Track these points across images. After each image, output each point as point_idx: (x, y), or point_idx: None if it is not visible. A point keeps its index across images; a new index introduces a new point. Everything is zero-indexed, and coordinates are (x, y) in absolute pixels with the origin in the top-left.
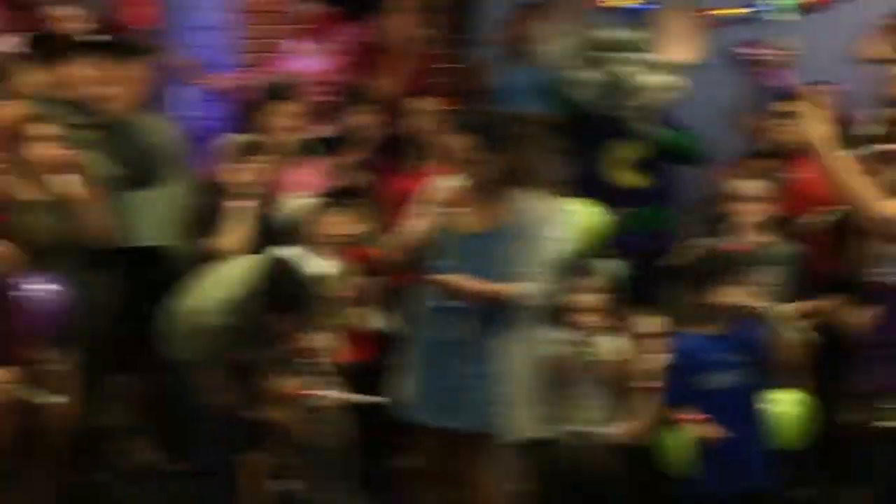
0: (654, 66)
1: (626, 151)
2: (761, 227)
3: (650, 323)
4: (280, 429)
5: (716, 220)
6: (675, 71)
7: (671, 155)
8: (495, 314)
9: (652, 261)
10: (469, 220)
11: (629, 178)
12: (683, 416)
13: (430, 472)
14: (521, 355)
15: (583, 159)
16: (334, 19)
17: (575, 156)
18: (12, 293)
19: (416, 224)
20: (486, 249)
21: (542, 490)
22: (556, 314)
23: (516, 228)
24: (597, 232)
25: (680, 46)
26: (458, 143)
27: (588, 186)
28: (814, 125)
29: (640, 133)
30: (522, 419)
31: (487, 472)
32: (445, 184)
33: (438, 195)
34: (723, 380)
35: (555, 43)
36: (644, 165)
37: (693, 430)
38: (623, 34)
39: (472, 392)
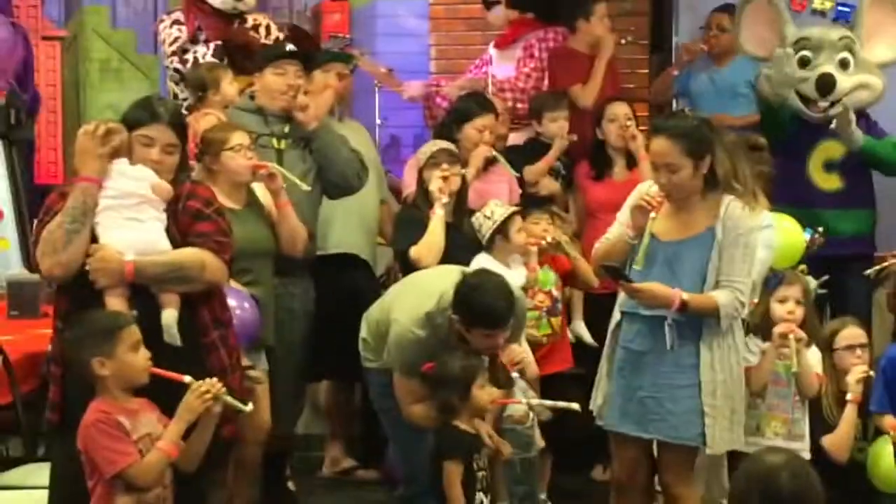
0: (860, 67)
1: (828, 153)
2: None
3: (850, 334)
4: (476, 438)
5: None
6: (879, 71)
7: (872, 159)
8: (696, 323)
9: (849, 266)
10: (668, 226)
11: (830, 181)
12: (886, 422)
13: (627, 483)
14: (723, 366)
15: (784, 160)
16: (527, 25)
17: (776, 157)
18: (227, 300)
19: (614, 232)
20: (686, 257)
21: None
22: (757, 325)
23: (716, 236)
24: (793, 249)
25: (886, 45)
26: (653, 151)
27: (788, 187)
28: None
29: (843, 135)
30: (725, 431)
31: (688, 484)
32: (644, 190)
33: (637, 202)
34: None
35: (757, 46)
36: (845, 168)
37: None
38: (831, 33)
39: (674, 402)
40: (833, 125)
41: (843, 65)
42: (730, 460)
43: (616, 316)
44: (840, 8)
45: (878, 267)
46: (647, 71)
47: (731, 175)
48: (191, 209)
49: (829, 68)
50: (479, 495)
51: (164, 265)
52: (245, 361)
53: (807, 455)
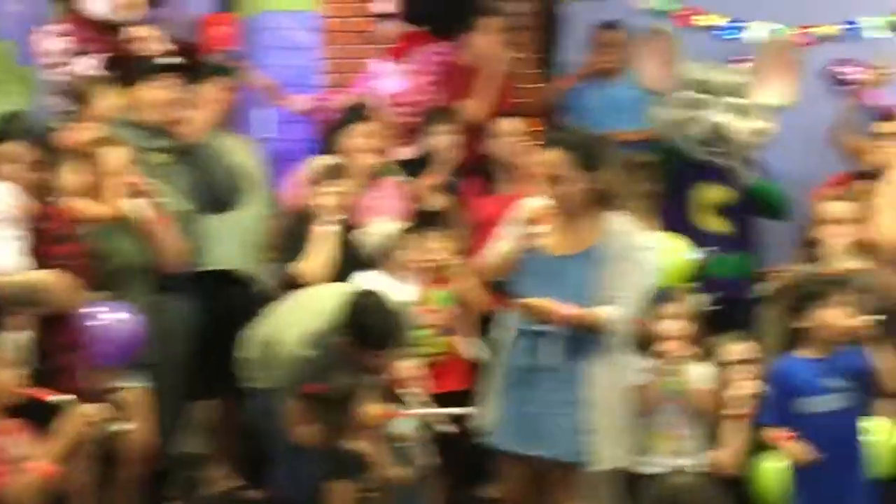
0: (747, 111)
1: (713, 195)
2: (852, 250)
3: (738, 349)
4: (364, 458)
5: (811, 243)
6: (768, 114)
7: (757, 204)
8: (582, 339)
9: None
10: (556, 241)
11: (713, 223)
12: (779, 435)
13: (514, 501)
14: (610, 382)
15: (669, 198)
16: (418, 39)
17: (663, 194)
18: (84, 322)
19: (502, 246)
20: (573, 272)
21: None
22: (643, 342)
23: (605, 251)
24: (680, 269)
25: (775, 87)
26: (546, 161)
27: (672, 226)
28: None
29: (729, 178)
30: (610, 448)
31: (573, 502)
32: (531, 205)
33: (524, 216)
34: (824, 404)
35: (653, 81)
36: (730, 211)
37: (788, 453)
38: (719, 75)
39: (558, 419)
40: (720, 167)
41: (738, 110)
42: (621, 478)
43: (504, 332)
44: (726, 25)
45: (769, 283)
46: (537, 85)
47: (622, 191)
48: (51, 231)
49: (724, 114)
50: None
51: (15, 286)
52: (116, 382)
53: (706, 470)
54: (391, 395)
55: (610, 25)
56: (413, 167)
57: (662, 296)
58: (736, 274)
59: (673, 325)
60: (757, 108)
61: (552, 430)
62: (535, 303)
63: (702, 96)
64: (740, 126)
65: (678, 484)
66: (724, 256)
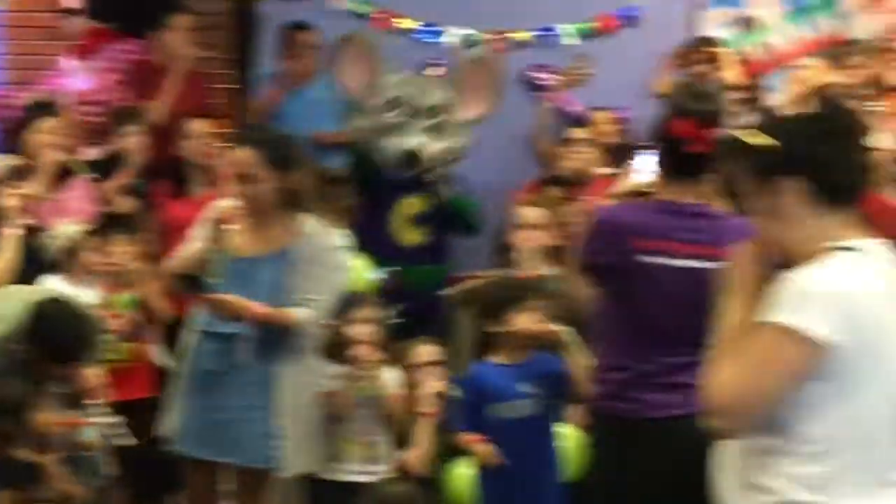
0: (445, 130)
1: (411, 207)
2: (544, 255)
3: (425, 352)
4: (38, 468)
5: (504, 248)
6: (467, 131)
7: (451, 218)
8: (273, 341)
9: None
10: (247, 242)
11: (411, 235)
12: (469, 439)
13: None
14: (300, 386)
15: (368, 209)
16: (106, 36)
17: (360, 204)
18: None
19: (190, 248)
20: (264, 273)
21: None
22: (334, 347)
23: (297, 252)
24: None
25: (475, 101)
26: (236, 160)
27: (370, 236)
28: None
29: (426, 190)
30: (300, 454)
31: None
32: (222, 206)
33: (214, 217)
34: (516, 409)
35: (344, 72)
36: (426, 222)
37: (477, 456)
38: (418, 93)
39: (244, 424)
40: (417, 181)
41: (434, 129)
42: (311, 483)
43: (191, 336)
44: (422, 29)
45: (459, 287)
46: (229, 86)
47: (312, 194)
48: None
49: (420, 136)
50: None
51: None
52: None
53: (397, 473)
54: (74, 402)
55: (300, 27)
56: (101, 168)
57: (352, 300)
58: (431, 284)
59: (363, 329)
60: (455, 127)
61: (241, 435)
62: (225, 299)
63: (396, 121)
64: (435, 148)
65: (389, 493)
66: (419, 267)
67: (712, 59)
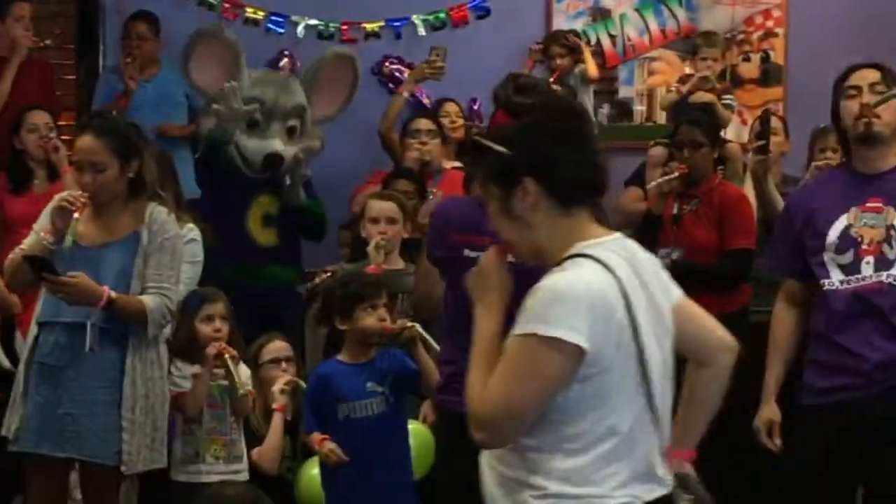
0: (300, 132)
1: (265, 207)
2: (394, 249)
3: (275, 347)
4: None
5: (354, 243)
6: (321, 131)
7: (300, 218)
8: (117, 331)
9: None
10: (92, 230)
11: (264, 234)
12: (315, 439)
13: None
14: (144, 379)
15: (220, 209)
16: None
17: (213, 205)
18: None
19: (30, 240)
20: (110, 261)
21: None
22: (184, 345)
23: (143, 240)
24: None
25: (330, 98)
26: (79, 148)
27: (224, 236)
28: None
29: (279, 190)
30: (143, 449)
31: None
32: (65, 195)
33: (58, 203)
34: (363, 408)
35: (208, 83)
36: (277, 224)
37: (324, 456)
38: (286, 99)
39: (88, 418)
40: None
41: (291, 132)
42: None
43: (32, 329)
44: (273, 19)
45: (309, 284)
46: (74, 77)
47: (158, 183)
48: None
49: (280, 138)
50: None
51: None
52: None
53: (246, 475)
54: None
55: (141, 16)
56: None
57: (204, 296)
58: (285, 282)
59: (212, 326)
60: (312, 127)
61: (86, 430)
62: (75, 280)
63: (259, 117)
64: (294, 150)
65: (219, 494)
66: (272, 268)
67: (572, 51)
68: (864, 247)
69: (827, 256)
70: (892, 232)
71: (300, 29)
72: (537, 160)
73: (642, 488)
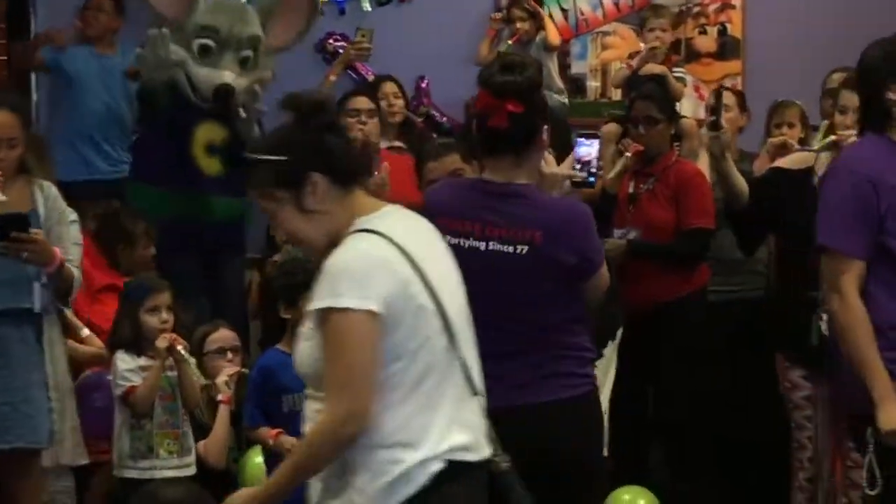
0: (256, 60)
1: (209, 135)
2: None
3: (220, 337)
4: None
5: None
6: (272, 58)
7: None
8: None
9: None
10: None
11: (212, 165)
12: (265, 434)
13: None
14: (55, 358)
15: (167, 141)
16: None
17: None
18: None
19: None
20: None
21: None
22: (128, 339)
23: (40, 216)
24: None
25: (284, 28)
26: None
27: (173, 169)
28: None
29: (228, 120)
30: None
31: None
32: None
33: None
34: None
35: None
36: (226, 153)
37: (280, 449)
38: (239, 29)
39: (26, 405)
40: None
41: (244, 62)
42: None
43: None
44: None
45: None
46: (5, 58)
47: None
48: None
49: (229, 69)
50: None
51: None
52: None
53: (194, 469)
54: None
55: None
56: None
57: (148, 287)
58: (229, 216)
59: (158, 317)
60: (265, 57)
61: (25, 417)
62: (40, 239)
63: (210, 43)
64: (245, 80)
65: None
66: (220, 198)
67: (533, 16)
68: None
69: None
70: None
71: None
72: (316, 155)
73: (458, 436)
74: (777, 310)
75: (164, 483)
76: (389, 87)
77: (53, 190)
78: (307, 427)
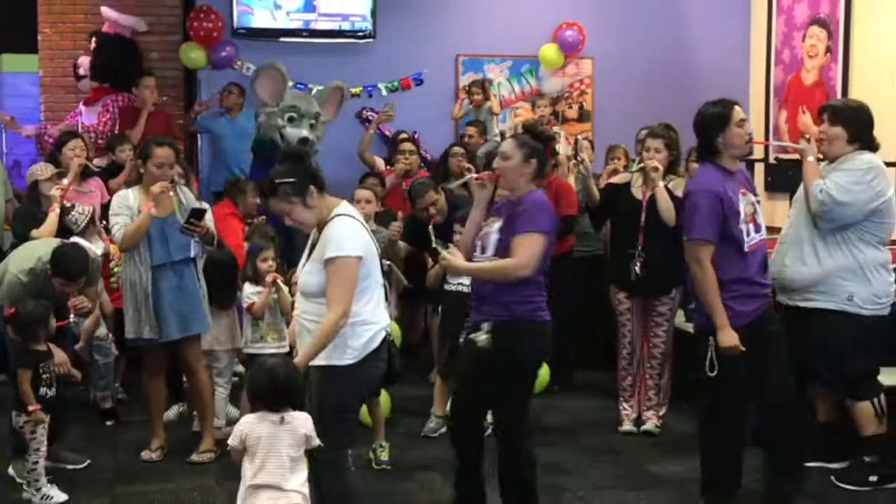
0: (316, 127)
1: None
2: (370, 218)
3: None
4: (46, 355)
5: None
6: (323, 127)
7: None
8: (190, 259)
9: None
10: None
11: None
12: None
13: None
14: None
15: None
16: (105, 90)
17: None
18: None
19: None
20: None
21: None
22: (249, 276)
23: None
24: None
25: (327, 112)
26: (164, 155)
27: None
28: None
29: None
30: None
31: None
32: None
33: (159, 193)
34: None
35: (267, 96)
36: None
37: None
38: (309, 108)
39: (190, 309)
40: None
41: (312, 126)
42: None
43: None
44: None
45: None
46: (182, 121)
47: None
48: None
49: (305, 130)
50: (44, 388)
51: None
52: None
53: (287, 348)
54: (64, 310)
55: (235, 83)
56: (108, 172)
57: (261, 247)
58: None
59: (266, 264)
60: (320, 126)
61: (188, 317)
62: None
63: (294, 115)
64: (312, 135)
65: (275, 362)
66: None
67: (484, 92)
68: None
69: (742, 225)
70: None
71: (313, 92)
72: (309, 175)
73: (384, 319)
74: (611, 260)
75: (270, 356)
76: (406, 136)
77: (187, 189)
78: (311, 322)
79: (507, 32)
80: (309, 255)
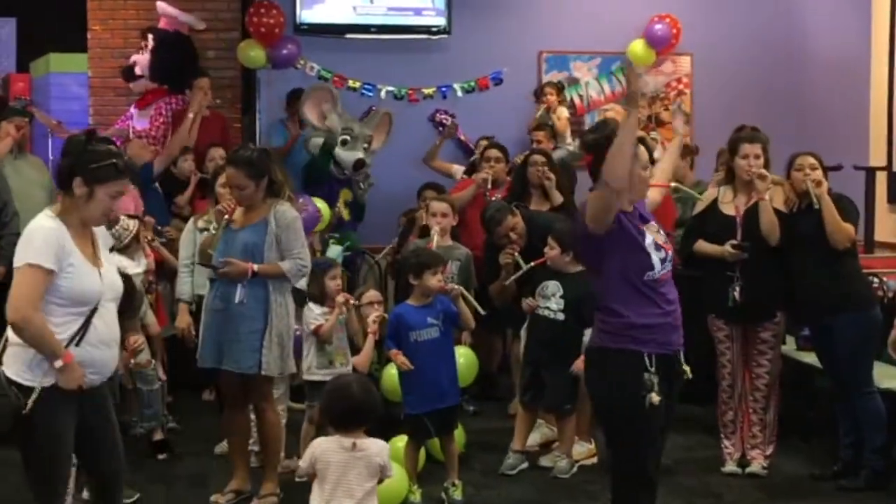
0: (369, 150)
1: (346, 196)
2: (446, 232)
3: (371, 295)
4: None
5: (408, 224)
6: (372, 154)
7: (359, 209)
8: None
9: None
10: (240, 218)
11: (346, 213)
12: (394, 353)
13: None
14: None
15: (325, 196)
16: (159, 93)
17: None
18: None
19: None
20: (243, 236)
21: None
22: (315, 295)
23: (269, 225)
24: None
25: (377, 137)
26: (228, 176)
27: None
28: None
29: (351, 188)
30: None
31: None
32: (223, 205)
33: (218, 210)
34: (425, 334)
35: (314, 118)
36: (351, 206)
37: (399, 364)
38: (362, 129)
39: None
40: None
41: (365, 149)
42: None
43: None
44: (366, 86)
45: (384, 253)
46: (239, 126)
47: (280, 184)
48: None
49: (360, 152)
50: None
51: None
52: None
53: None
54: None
55: (295, 91)
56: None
57: (329, 264)
58: (353, 239)
59: (335, 282)
60: (371, 150)
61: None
62: (230, 268)
63: (348, 137)
64: (366, 158)
65: (349, 380)
66: (349, 233)
67: (558, 94)
68: None
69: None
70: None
71: (382, 93)
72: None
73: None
74: (707, 284)
75: (342, 375)
76: (489, 142)
77: (284, 207)
78: None
79: (595, 26)
80: None
